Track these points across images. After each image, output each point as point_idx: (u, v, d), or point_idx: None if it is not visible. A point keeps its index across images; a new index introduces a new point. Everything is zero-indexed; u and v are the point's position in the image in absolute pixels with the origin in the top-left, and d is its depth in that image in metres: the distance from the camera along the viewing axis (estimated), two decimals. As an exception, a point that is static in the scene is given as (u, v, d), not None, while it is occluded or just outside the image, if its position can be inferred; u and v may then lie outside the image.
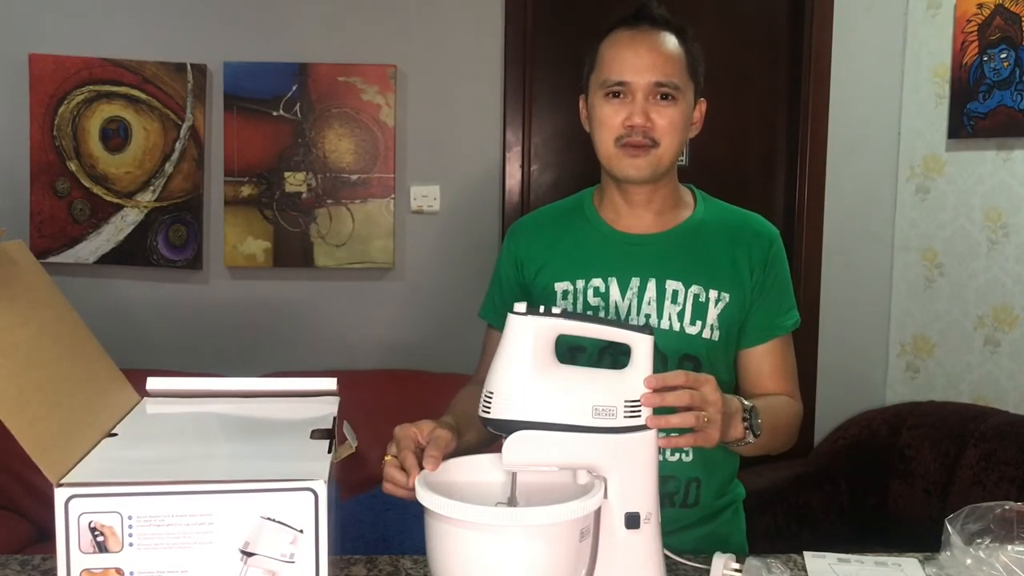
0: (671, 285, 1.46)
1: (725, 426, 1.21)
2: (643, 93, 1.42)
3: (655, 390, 1.11)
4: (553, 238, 1.56)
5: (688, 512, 1.47)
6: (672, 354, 1.45)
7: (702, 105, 1.51)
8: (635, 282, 1.47)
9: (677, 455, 1.45)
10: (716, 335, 1.46)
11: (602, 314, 1.47)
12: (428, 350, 3.08)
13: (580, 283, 1.49)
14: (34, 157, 2.95)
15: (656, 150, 1.43)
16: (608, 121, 1.44)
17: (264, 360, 3.02)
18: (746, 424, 1.28)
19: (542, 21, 3.07)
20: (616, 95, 1.43)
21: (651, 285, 1.47)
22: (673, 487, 1.45)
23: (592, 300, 1.48)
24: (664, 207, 1.52)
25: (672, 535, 1.36)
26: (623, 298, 1.47)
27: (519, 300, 1.22)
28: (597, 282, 1.49)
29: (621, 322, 1.28)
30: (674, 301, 1.46)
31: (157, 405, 1.18)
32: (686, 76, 1.45)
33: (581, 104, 1.53)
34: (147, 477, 0.92)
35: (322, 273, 3.07)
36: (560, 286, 1.51)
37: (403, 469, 1.18)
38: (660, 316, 1.46)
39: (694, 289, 1.46)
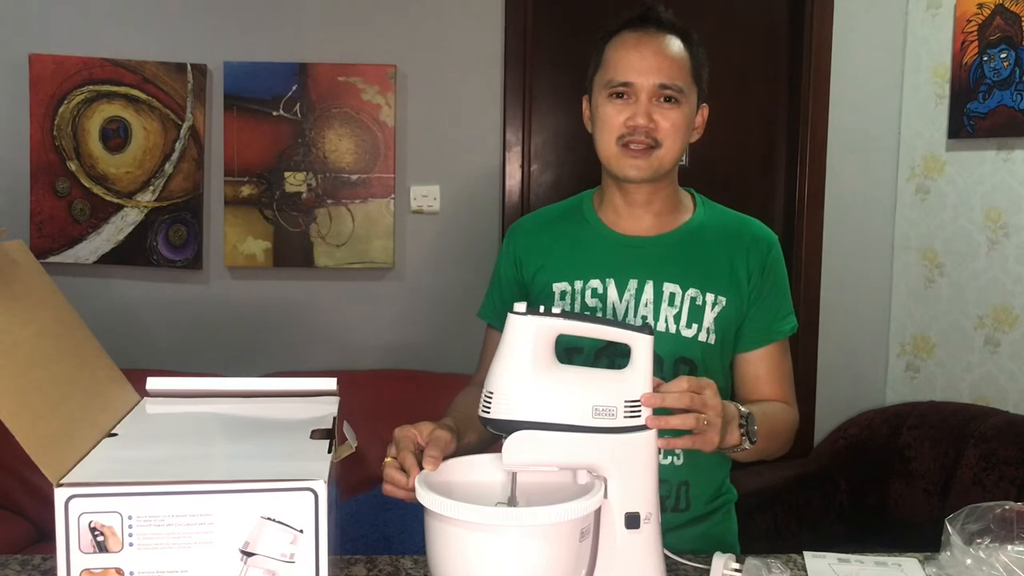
0: (668, 288, 1.46)
1: (723, 431, 1.21)
2: (647, 94, 1.42)
3: (655, 389, 1.12)
4: (552, 239, 1.56)
5: (679, 515, 1.47)
6: (668, 356, 1.45)
7: (704, 111, 1.51)
8: (633, 284, 1.47)
9: (668, 458, 1.45)
10: (712, 338, 1.46)
11: (600, 315, 1.47)
12: (428, 350, 3.08)
13: (578, 284, 1.49)
14: (34, 157, 2.95)
15: (658, 151, 1.43)
16: (611, 121, 1.44)
17: (264, 360, 3.02)
18: (743, 431, 1.28)
19: (542, 21, 3.06)
20: (620, 96, 1.43)
21: (648, 287, 1.47)
22: (664, 491, 1.44)
23: (590, 301, 1.48)
24: (664, 209, 1.52)
25: (663, 535, 1.36)
26: (620, 299, 1.47)
27: (518, 300, 1.22)
28: (595, 283, 1.49)
29: (621, 322, 1.28)
30: (671, 303, 1.46)
31: (157, 405, 1.18)
32: (690, 79, 1.45)
33: (584, 104, 1.53)
34: (147, 477, 0.92)
35: (322, 273, 3.07)
36: (558, 287, 1.51)
37: (403, 470, 1.18)
38: (657, 318, 1.46)
39: (691, 292, 1.46)
